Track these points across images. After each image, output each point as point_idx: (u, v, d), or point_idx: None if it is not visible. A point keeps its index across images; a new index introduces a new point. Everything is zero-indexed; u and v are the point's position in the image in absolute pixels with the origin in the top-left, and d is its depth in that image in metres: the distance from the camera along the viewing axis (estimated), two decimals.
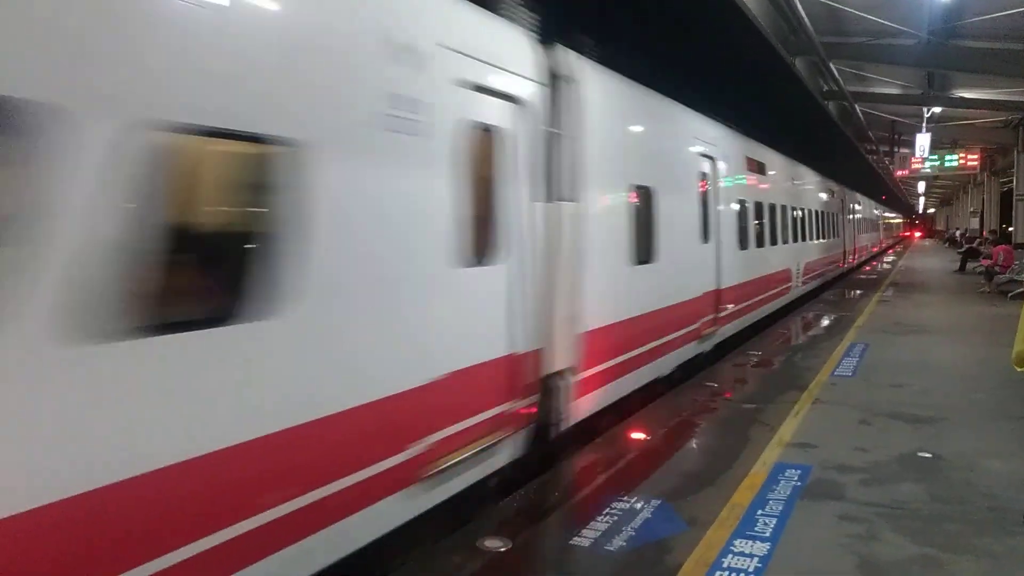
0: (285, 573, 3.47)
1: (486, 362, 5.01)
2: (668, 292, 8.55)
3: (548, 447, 5.81)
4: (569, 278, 6.02)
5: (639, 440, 6.68)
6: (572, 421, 6.15)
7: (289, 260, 3.46)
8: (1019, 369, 4.28)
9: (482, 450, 4.92)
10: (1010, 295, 18.12)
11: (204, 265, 3.42)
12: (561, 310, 5.89)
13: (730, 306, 11.01)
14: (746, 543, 4.56)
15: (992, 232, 32.31)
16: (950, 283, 23.75)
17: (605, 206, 6.99)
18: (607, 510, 5.05)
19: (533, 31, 5.81)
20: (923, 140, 30.61)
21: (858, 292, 20.65)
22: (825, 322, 14.79)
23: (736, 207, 11.79)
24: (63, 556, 2.61)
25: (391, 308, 4.17)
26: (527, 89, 5.55)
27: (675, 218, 8.75)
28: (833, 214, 22.84)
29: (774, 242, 14.55)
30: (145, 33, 2.91)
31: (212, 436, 3.11)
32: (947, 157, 34.74)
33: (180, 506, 2.99)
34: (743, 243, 12.15)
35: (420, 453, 4.28)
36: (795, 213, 16.73)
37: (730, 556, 4.39)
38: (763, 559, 4.35)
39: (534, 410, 5.58)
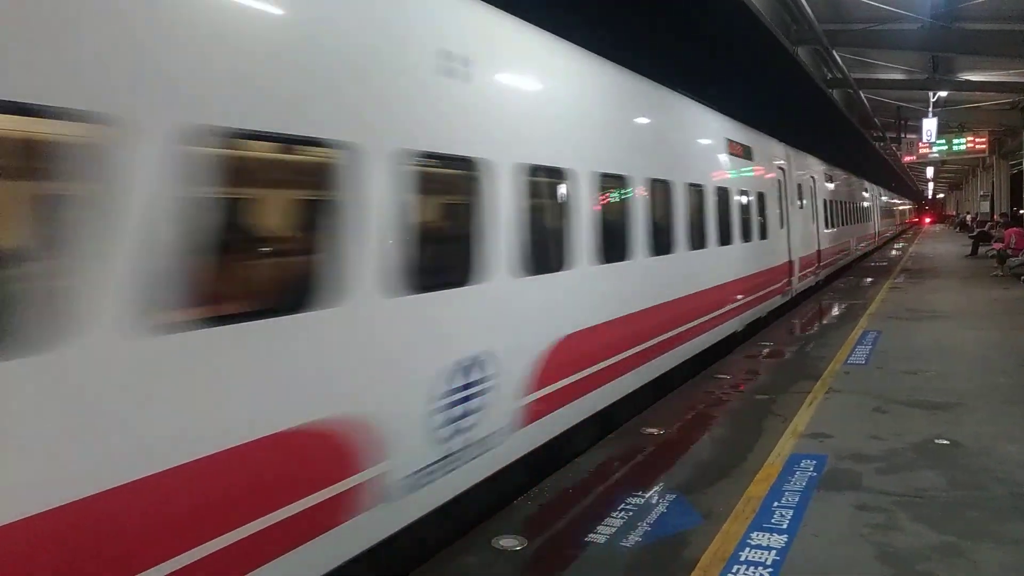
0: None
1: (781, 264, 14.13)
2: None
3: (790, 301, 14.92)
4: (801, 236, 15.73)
5: (652, 433, 6.64)
6: (795, 292, 15.37)
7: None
8: None
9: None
10: (1023, 277, 17.99)
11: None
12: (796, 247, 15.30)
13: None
14: (763, 536, 4.52)
15: (1003, 215, 32.07)
16: (962, 268, 23.59)
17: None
18: (622, 505, 5.02)
19: None
20: (930, 125, 30.28)
21: (869, 279, 20.52)
22: (836, 310, 14.70)
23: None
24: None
25: None
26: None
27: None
28: (866, 207, 31.46)
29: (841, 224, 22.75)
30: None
31: None
32: (955, 141, 34.41)
33: None
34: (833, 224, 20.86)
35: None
36: (853, 205, 26.30)
37: (747, 549, 4.35)
38: (781, 551, 4.31)
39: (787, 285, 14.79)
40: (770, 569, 4.12)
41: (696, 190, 9.18)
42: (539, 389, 5.47)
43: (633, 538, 4.56)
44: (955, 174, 72.27)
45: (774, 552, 4.31)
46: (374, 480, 3.82)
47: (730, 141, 11.21)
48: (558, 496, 5.29)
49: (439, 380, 4.37)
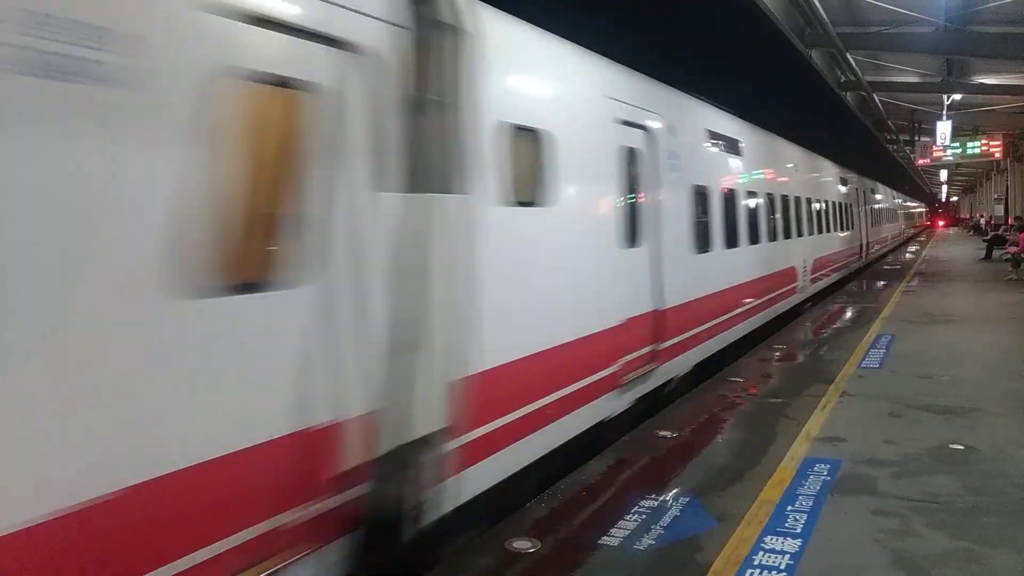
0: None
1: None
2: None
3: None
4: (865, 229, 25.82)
5: (665, 437, 6.64)
6: (864, 261, 25.14)
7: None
8: None
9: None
10: None
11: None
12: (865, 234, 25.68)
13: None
14: (777, 540, 4.52)
15: (1017, 218, 31.79)
16: (976, 271, 23.43)
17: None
18: (635, 508, 5.03)
19: None
20: (944, 128, 30.10)
21: (882, 283, 20.42)
22: (849, 314, 14.64)
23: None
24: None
25: None
26: None
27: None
28: (895, 211, 40.89)
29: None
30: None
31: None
32: (969, 144, 34.18)
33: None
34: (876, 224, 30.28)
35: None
36: (886, 210, 35.43)
37: (761, 553, 4.35)
38: (795, 556, 4.31)
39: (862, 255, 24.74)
40: (784, 573, 4.11)
41: (836, 204, 19.55)
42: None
43: (647, 541, 4.56)
44: (969, 177, 71.78)
45: (788, 556, 4.31)
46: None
47: (841, 177, 21.30)
48: (571, 498, 5.30)
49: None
